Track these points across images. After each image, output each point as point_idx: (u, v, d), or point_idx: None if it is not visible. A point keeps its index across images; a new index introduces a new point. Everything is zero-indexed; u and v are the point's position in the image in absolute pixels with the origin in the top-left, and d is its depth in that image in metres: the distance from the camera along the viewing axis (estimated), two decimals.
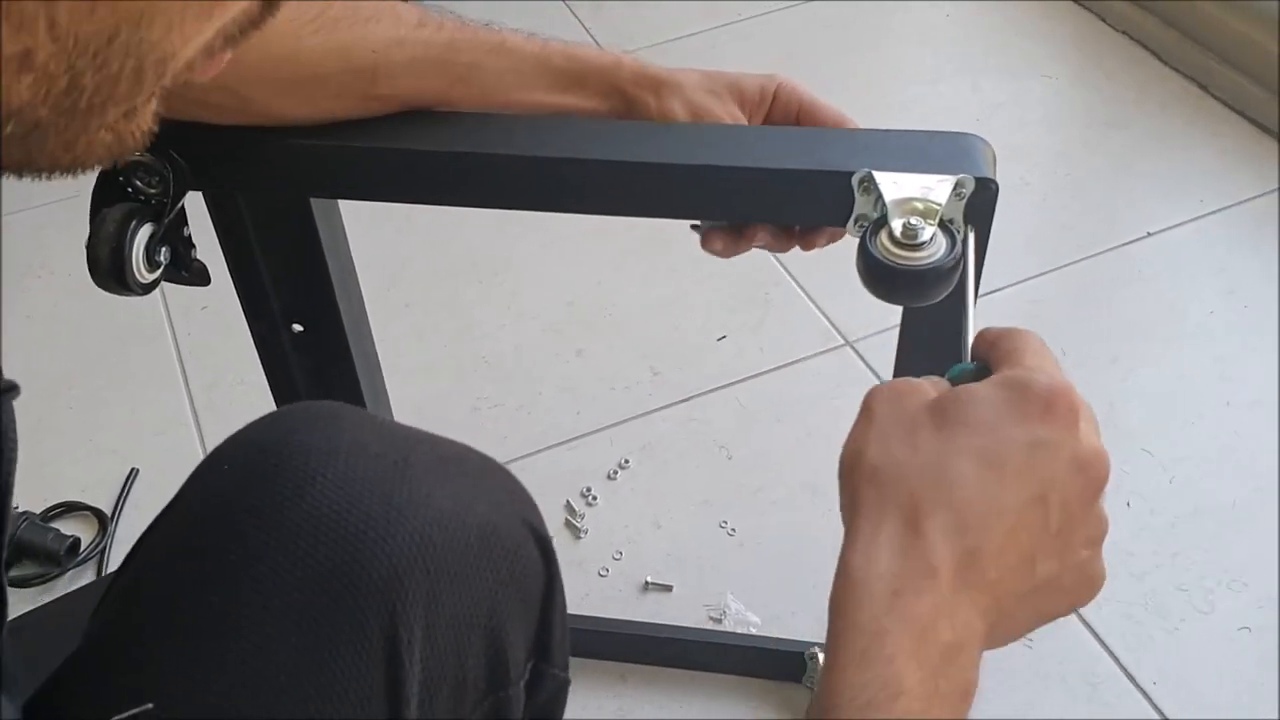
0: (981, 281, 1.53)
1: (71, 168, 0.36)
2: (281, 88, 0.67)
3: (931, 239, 0.64)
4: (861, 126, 0.76)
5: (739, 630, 1.20)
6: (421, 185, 0.73)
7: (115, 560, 1.31)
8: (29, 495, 1.34)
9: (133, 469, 1.37)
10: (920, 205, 0.65)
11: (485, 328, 1.55)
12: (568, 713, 1.12)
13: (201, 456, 0.63)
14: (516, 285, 1.60)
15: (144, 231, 0.71)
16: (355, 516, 0.53)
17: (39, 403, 1.46)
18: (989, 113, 1.82)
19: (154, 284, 0.74)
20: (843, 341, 1.49)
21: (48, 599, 1.27)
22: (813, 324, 1.51)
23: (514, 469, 1.31)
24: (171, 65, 0.32)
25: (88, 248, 0.71)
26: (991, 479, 0.45)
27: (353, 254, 0.91)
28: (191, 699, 0.51)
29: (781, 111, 0.74)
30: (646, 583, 1.23)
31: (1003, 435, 0.46)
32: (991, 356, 0.52)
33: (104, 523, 1.32)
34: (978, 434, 0.46)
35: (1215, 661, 1.14)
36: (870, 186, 0.67)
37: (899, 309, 0.78)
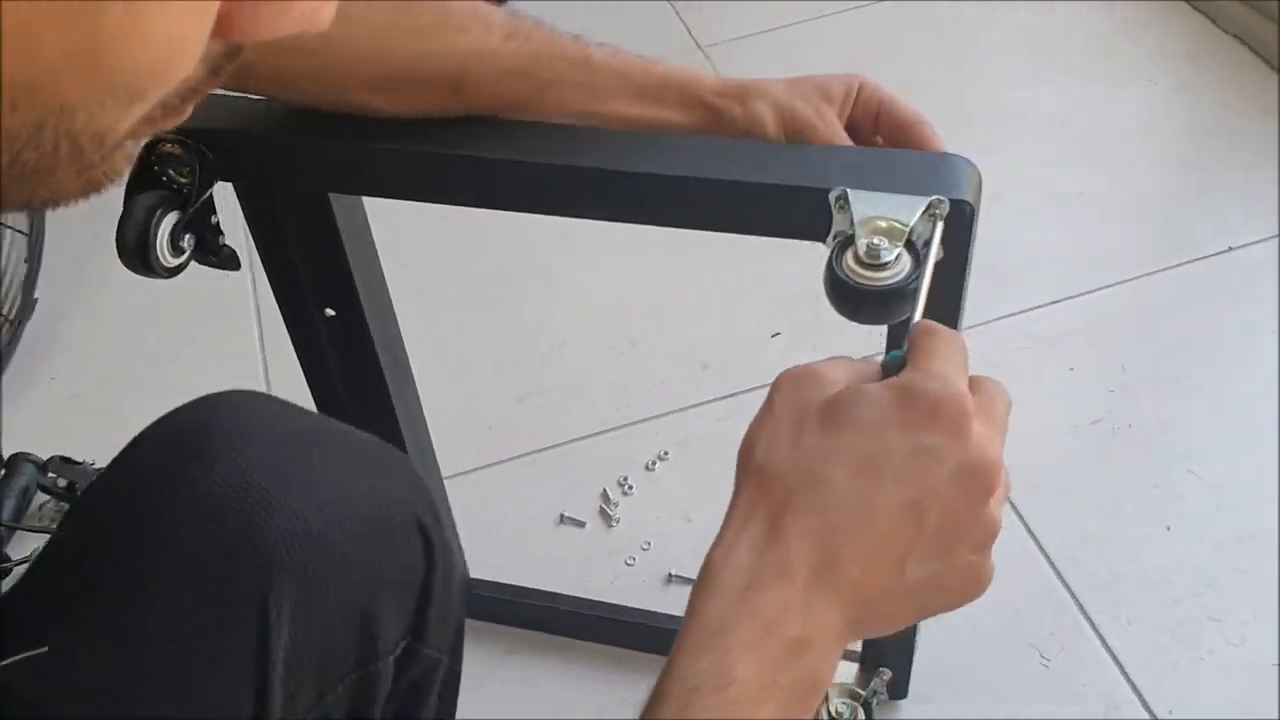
0: (1049, 289, 1.51)
1: (48, 205, 0.36)
2: (366, 84, 0.71)
3: (896, 259, 0.64)
4: (937, 127, 0.76)
5: None
6: (430, 184, 0.77)
7: None
8: (104, 443, 1.42)
9: None
10: (886, 225, 0.66)
11: (540, 319, 1.58)
12: (576, 697, 1.16)
13: None
14: (573, 277, 1.63)
15: (170, 219, 0.76)
16: (249, 497, 0.58)
17: (129, 368, 1.55)
18: (1080, 118, 1.78)
19: (179, 268, 0.79)
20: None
21: None
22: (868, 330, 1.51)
23: (554, 455, 1.39)
24: (110, 138, 0.33)
25: (117, 231, 0.76)
26: (865, 482, 0.46)
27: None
28: (87, 647, 0.56)
29: (863, 110, 0.75)
30: (670, 575, 1.26)
31: (884, 439, 0.46)
32: (907, 355, 0.52)
33: None
34: (859, 436, 0.47)
35: (1238, 697, 1.11)
36: (845, 204, 0.68)
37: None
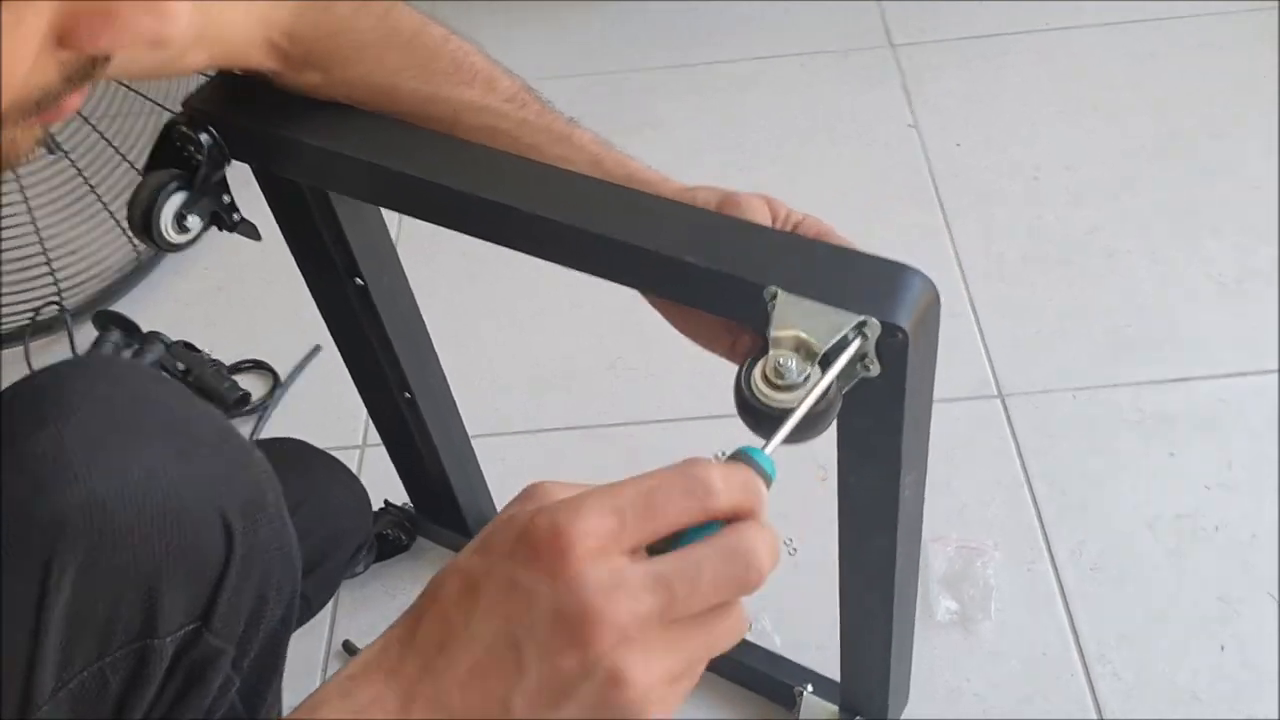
0: (1176, 363, 1.42)
1: None
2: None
3: (804, 381, 0.60)
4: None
5: (759, 644, 1.20)
6: (406, 202, 0.79)
7: (273, 419, 1.49)
8: (229, 346, 1.54)
9: (316, 345, 1.55)
10: (806, 338, 0.62)
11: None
12: None
13: None
14: None
15: (176, 199, 0.81)
16: (57, 464, 0.63)
17: (272, 270, 1.66)
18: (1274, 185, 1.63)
19: (187, 244, 0.84)
20: (996, 393, 1.42)
21: None
22: (974, 366, 1.45)
23: (618, 433, 1.41)
24: None
25: (128, 206, 0.82)
26: (466, 606, 0.44)
27: None
28: None
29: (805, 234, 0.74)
30: None
31: (489, 562, 0.44)
32: None
33: (275, 387, 1.51)
34: (479, 556, 0.45)
35: None
36: (774, 305, 0.64)
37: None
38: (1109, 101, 1.79)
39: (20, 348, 1.54)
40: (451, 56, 0.78)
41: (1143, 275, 1.53)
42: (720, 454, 0.53)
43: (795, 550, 1.39)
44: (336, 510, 1.04)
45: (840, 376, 0.63)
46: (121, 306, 1.60)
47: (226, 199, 0.86)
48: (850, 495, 0.83)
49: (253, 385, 1.52)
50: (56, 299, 1.55)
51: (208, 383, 1.48)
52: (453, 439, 1.15)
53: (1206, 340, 1.44)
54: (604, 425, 1.44)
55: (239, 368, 1.53)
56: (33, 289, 1.54)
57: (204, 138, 0.82)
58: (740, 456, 0.52)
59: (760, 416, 0.61)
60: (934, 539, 1.27)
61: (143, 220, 0.82)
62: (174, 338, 1.55)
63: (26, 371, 1.53)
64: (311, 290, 0.99)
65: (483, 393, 1.48)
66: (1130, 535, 1.26)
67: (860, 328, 0.62)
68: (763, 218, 0.74)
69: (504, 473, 1.32)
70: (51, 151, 1.51)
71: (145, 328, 1.56)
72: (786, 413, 0.59)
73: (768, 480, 0.52)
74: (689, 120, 1.87)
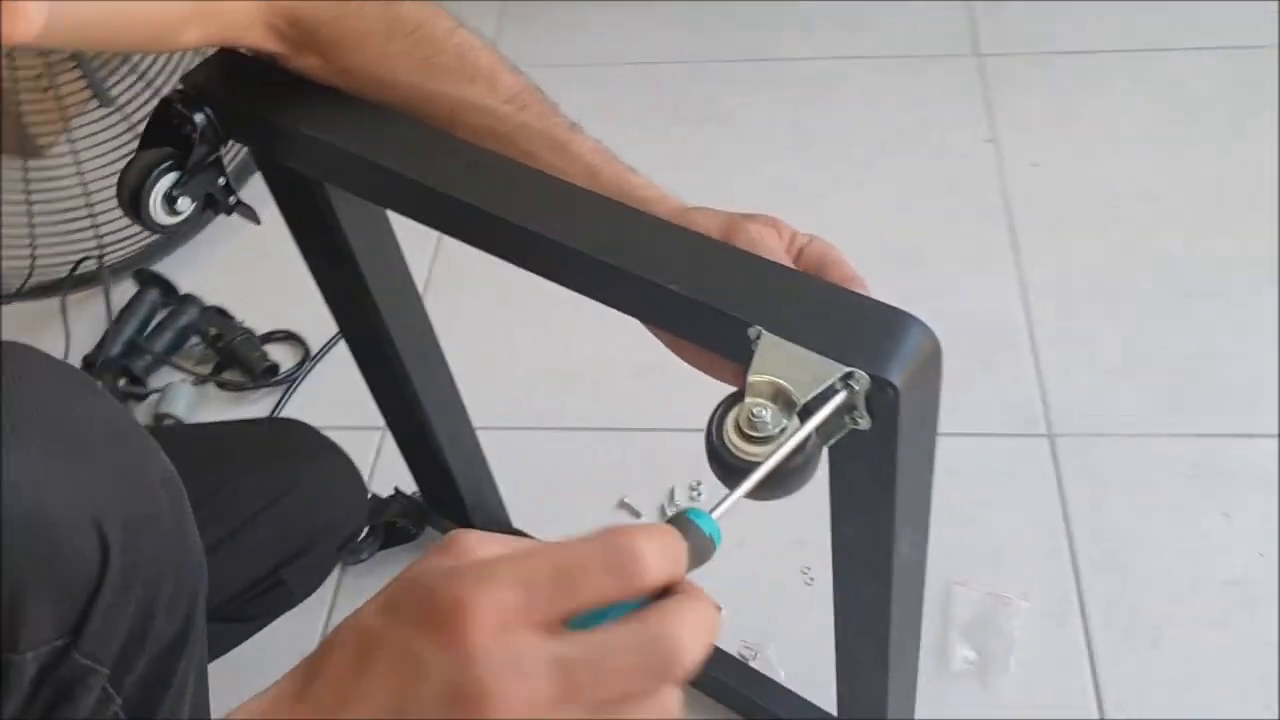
0: (1242, 418, 1.34)
1: None
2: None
3: (779, 433, 0.54)
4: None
5: (761, 672, 1.15)
6: (388, 197, 0.77)
7: (299, 393, 1.47)
8: (264, 315, 1.52)
9: None
10: (786, 386, 0.56)
11: None
12: None
13: None
14: None
15: (166, 180, 0.78)
16: None
17: None
18: None
19: (177, 226, 0.81)
20: (1045, 432, 1.34)
21: (242, 408, 1.46)
22: (1026, 401, 1.37)
23: (637, 438, 1.36)
24: None
25: (116, 184, 0.79)
26: (360, 669, 0.40)
27: None
28: None
29: (808, 261, 0.69)
30: None
31: (390, 629, 0.40)
32: None
33: (304, 360, 1.48)
34: (382, 616, 0.41)
35: None
36: (757, 346, 0.59)
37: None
38: (1204, 132, 1.68)
39: (57, 299, 1.54)
40: (456, 51, 0.74)
41: (1215, 322, 1.43)
42: (670, 505, 0.48)
43: (813, 580, 1.33)
44: (328, 499, 1.00)
45: (822, 430, 0.57)
46: (162, 267, 1.59)
47: (221, 181, 0.83)
48: (844, 546, 0.77)
49: (283, 356, 1.50)
50: (97, 253, 1.54)
51: (238, 350, 1.46)
52: (458, 434, 1.11)
53: (1275, 397, 1.34)
54: (625, 429, 1.40)
55: (271, 337, 1.51)
56: (74, 241, 1.53)
57: (199, 117, 0.79)
58: (679, 521, 0.46)
59: (729, 469, 0.55)
60: (959, 582, 1.20)
61: (131, 200, 0.79)
62: (210, 302, 1.54)
63: (60, 323, 1.56)
64: (314, 276, 0.96)
65: (505, 386, 1.44)
66: (1172, 599, 1.18)
67: (847, 379, 0.56)
68: (770, 248, 0.68)
69: (519, 467, 1.28)
70: (103, 104, 1.50)
71: (183, 290, 1.55)
72: (748, 467, 0.53)
73: (710, 548, 0.47)
74: (757, 117, 1.81)
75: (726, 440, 0.55)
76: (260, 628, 1.01)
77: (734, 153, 1.73)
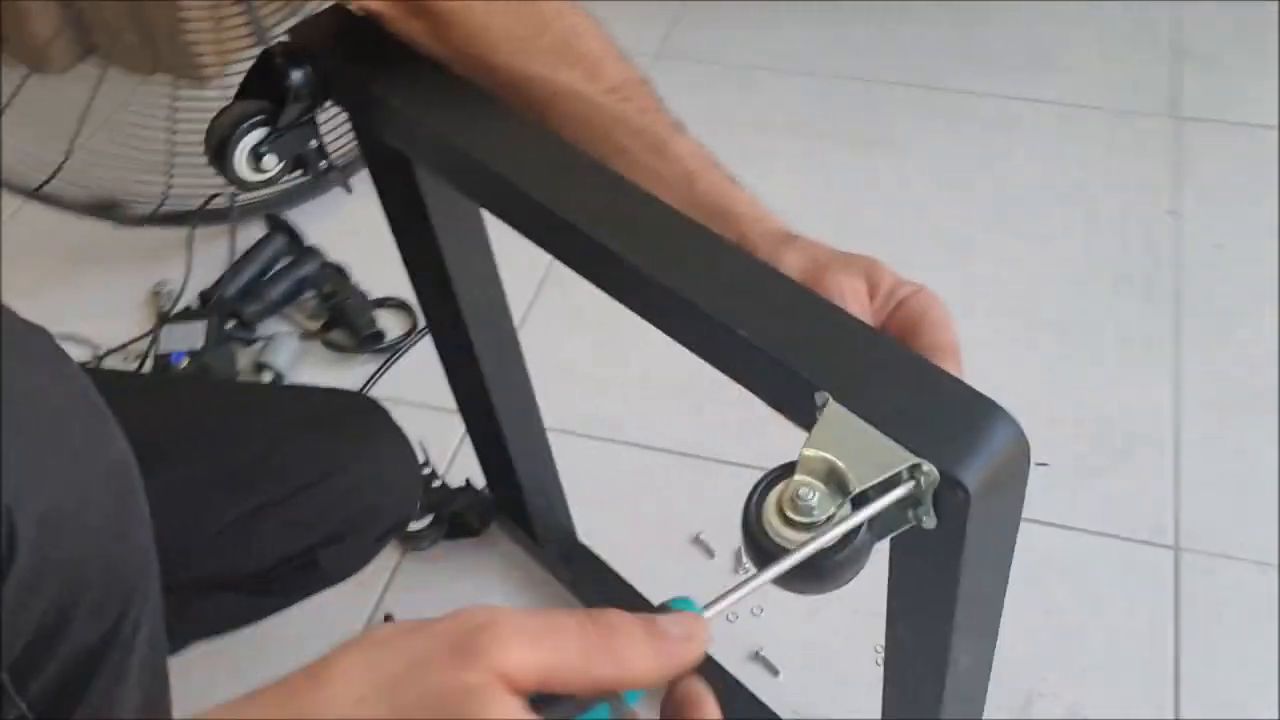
0: None
1: None
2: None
3: (826, 521, 0.47)
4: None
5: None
6: (472, 187, 0.72)
7: (400, 364, 1.44)
8: (381, 280, 1.50)
9: None
10: (841, 467, 0.48)
11: None
12: None
13: None
14: None
15: (255, 134, 0.75)
16: None
17: None
18: None
19: (260, 184, 0.78)
20: (1171, 544, 1.21)
21: (342, 370, 1.44)
22: (1157, 507, 1.24)
23: (725, 472, 1.28)
24: None
25: (206, 131, 0.76)
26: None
27: None
28: None
29: (900, 319, 0.61)
30: (757, 654, 1.13)
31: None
32: None
33: (411, 331, 1.46)
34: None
35: None
36: (821, 413, 0.52)
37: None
38: None
39: (185, 230, 1.54)
40: (561, 33, 0.70)
41: None
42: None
43: (882, 661, 1.23)
44: (378, 486, 0.96)
45: (878, 523, 0.50)
46: (293, 215, 1.58)
47: (314, 143, 0.80)
48: (897, 644, 0.69)
49: (391, 325, 1.47)
50: (231, 190, 1.54)
51: (348, 311, 1.44)
52: (527, 441, 1.06)
53: None
54: (715, 460, 1.32)
55: (383, 303, 1.49)
56: (210, 176, 1.53)
57: (297, 73, 0.75)
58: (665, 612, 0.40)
59: (760, 551, 0.48)
60: (1041, 694, 1.09)
61: (217, 149, 0.76)
62: (332, 258, 1.52)
63: (184, 255, 1.57)
64: (400, 250, 0.92)
65: (601, 389, 1.39)
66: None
67: (914, 470, 0.49)
68: (852, 299, 0.60)
69: (594, 479, 1.24)
70: (259, 42, 1.50)
71: (308, 242, 1.54)
72: (781, 553, 0.46)
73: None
74: (925, 147, 1.70)
75: (765, 520, 0.48)
76: (286, 605, 0.97)
77: (890, 181, 1.64)
